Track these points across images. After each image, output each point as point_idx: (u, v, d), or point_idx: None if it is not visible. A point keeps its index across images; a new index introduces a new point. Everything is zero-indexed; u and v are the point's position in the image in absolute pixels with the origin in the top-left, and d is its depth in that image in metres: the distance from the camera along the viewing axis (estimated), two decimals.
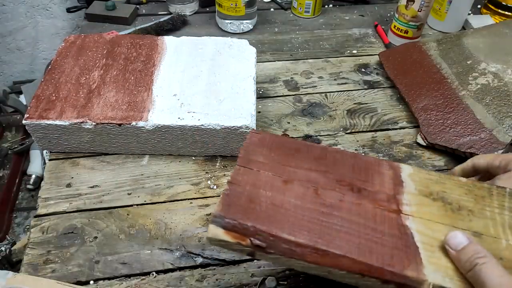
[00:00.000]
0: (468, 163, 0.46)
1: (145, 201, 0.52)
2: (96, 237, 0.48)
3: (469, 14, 0.86)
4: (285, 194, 0.35)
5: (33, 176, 1.29)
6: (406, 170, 0.39)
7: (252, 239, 0.32)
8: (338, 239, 0.32)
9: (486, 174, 0.45)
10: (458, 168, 0.47)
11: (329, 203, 0.35)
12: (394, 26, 0.78)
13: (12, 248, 0.99)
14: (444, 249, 0.33)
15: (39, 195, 0.52)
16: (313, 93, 0.69)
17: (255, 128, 0.53)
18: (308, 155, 0.39)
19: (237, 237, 0.32)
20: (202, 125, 0.52)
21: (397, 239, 0.33)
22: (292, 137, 0.40)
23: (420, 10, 0.72)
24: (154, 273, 0.45)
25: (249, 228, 0.32)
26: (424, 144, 0.59)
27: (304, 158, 0.39)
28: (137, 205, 0.52)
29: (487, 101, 0.60)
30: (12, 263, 0.97)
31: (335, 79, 0.71)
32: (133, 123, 0.52)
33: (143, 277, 0.45)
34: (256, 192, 0.35)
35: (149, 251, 0.47)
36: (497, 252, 0.33)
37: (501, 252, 0.34)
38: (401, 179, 0.38)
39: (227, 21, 0.81)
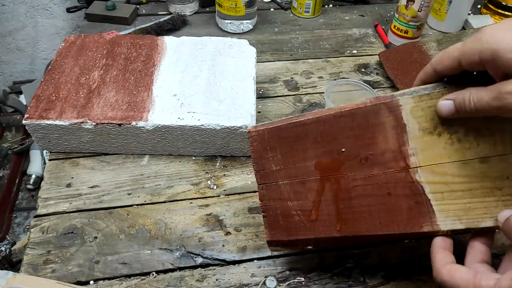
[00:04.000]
0: (427, 70, 0.37)
1: (145, 201, 0.52)
2: (96, 237, 0.48)
3: (469, 14, 0.86)
4: (307, 197, 0.39)
5: (33, 176, 1.29)
6: (407, 107, 0.36)
7: (302, 246, 0.42)
8: (362, 221, 0.38)
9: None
10: (418, 81, 0.38)
11: (344, 188, 0.38)
12: (394, 26, 0.78)
13: (12, 248, 1.00)
14: (450, 190, 0.36)
15: (39, 195, 0.52)
16: (313, 93, 0.69)
17: None
18: (307, 139, 0.39)
19: (291, 247, 0.44)
20: (202, 125, 0.52)
21: (410, 199, 0.36)
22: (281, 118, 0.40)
23: (420, 10, 0.72)
24: (154, 273, 0.45)
25: (296, 242, 0.41)
26: None
27: (305, 145, 0.39)
28: (137, 205, 0.52)
29: None
30: (12, 263, 0.97)
31: (335, 79, 0.71)
32: (133, 123, 0.52)
33: (143, 277, 0.45)
34: (285, 206, 0.40)
35: (149, 251, 0.47)
36: (503, 173, 0.34)
37: (509, 168, 0.34)
38: (403, 121, 0.36)
39: (227, 21, 0.81)
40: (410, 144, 0.36)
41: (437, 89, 0.35)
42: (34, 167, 1.30)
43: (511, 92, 0.29)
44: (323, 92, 0.68)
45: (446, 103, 0.34)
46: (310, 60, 0.76)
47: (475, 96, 0.32)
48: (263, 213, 0.41)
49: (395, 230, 0.37)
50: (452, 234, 0.36)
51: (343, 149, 0.38)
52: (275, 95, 0.68)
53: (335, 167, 0.38)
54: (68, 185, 0.53)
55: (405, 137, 0.36)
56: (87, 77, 0.57)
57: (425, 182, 0.36)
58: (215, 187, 0.54)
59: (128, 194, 0.53)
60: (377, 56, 0.75)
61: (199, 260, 0.47)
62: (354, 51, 0.78)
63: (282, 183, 0.40)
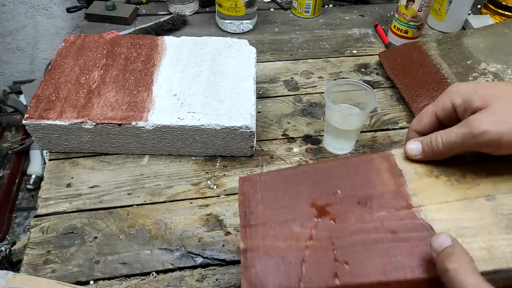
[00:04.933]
0: (410, 135, 0.39)
1: (145, 201, 0.52)
2: (96, 237, 0.48)
3: (469, 14, 0.86)
4: (300, 241, 0.34)
5: (33, 176, 1.29)
6: (399, 155, 0.37)
7: None
8: (366, 266, 0.32)
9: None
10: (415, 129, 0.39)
11: (342, 230, 0.34)
12: (394, 26, 0.78)
13: (12, 248, 1.00)
14: (463, 227, 0.32)
15: (39, 195, 0.52)
16: (313, 93, 0.69)
17: (254, 129, 0.53)
18: (300, 184, 0.37)
19: None
20: (202, 125, 0.52)
21: (419, 241, 0.32)
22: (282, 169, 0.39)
23: (420, 10, 0.72)
24: (154, 273, 0.45)
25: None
26: None
27: (298, 190, 0.37)
28: (137, 205, 0.52)
29: None
30: (12, 263, 0.97)
31: (335, 79, 0.71)
32: (133, 123, 0.52)
33: (143, 277, 0.45)
34: (275, 252, 0.34)
35: (149, 251, 0.47)
36: None
37: None
38: (398, 167, 0.37)
39: (227, 21, 0.81)
40: (408, 185, 0.35)
41: None
42: (34, 167, 1.30)
43: (480, 123, 0.31)
44: (323, 92, 0.68)
45: (414, 146, 0.36)
46: (310, 60, 0.76)
47: (443, 135, 0.34)
48: (243, 261, 0.34)
49: (404, 277, 0.31)
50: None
51: (338, 191, 0.36)
52: (275, 95, 0.68)
53: (330, 208, 0.35)
54: (68, 185, 0.53)
55: (402, 180, 0.36)
56: (87, 77, 0.57)
57: (432, 220, 0.33)
58: (215, 187, 0.54)
59: (128, 194, 0.53)
60: (377, 56, 0.75)
61: (199, 260, 0.47)
62: (354, 51, 0.78)
63: (271, 227, 0.35)
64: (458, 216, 0.33)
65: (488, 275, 0.29)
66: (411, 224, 0.33)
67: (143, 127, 0.52)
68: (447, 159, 0.36)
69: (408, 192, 0.35)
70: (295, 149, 0.59)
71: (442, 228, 0.32)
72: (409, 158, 0.37)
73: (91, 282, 0.44)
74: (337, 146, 0.58)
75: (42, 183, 0.54)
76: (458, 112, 0.34)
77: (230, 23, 0.81)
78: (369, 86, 0.54)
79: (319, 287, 0.32)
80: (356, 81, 0.54)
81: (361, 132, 0.62)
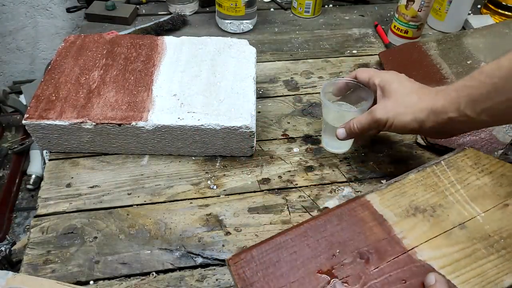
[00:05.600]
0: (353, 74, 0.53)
1: (145, 201, 0.52)
2: (96, 237, 0.48)
3: (469, 14, 0.86)
4: None
5: (33, 176, 1.29)
6: (375, 201, 0.41)
7: None
8: None
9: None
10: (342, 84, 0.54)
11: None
12: (394, 26, 0.78)
13: (12, 248, 0.99)
14: (455, 260, 0.36)
15: (39, 195, 0.52)
16: (313, 93, 0.69)
17: (254, 129, 0.53)
18: (295, 254, 0.37)
19: None
20: (202, 125, 0.52)
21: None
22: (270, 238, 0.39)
23: (420, 10, 0.72)
24: (154, 273, 0.45)
25: None
26: (424, 144, 0.59)
27: (296, 260, 0.37)
28: (137, 205, 0.52)
29: None
30: (12, 263, 0.97)
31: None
32: (133, 123, 0.52)
33: (143, 277, 0.45)
34: None
35: (149, 251, 0.47)
36: (483, 232, 0.37)
37: (485, 228, 0.38)
38: (379, 213, 0.40)
39: (227, 21, 0.81)
40: (395, 229, 0.38)
41: (393, 182, 0.43)
42: (34, 167, 1.30)
43: (376, 112, 0.46)
44: None
45: (340, 130, 0.51)
46: (310, 60, 0.76)
47: (357, 123, 0.49)
48: None
49: None
50: None
51: (337, 251, 0.37)
52: (275, 95, 0.68)
53: (337, 271, 0.36)
54: (68, 185, 0.53)
55: (387, 224, 0.39)
56: (87, 77, 0.57)
57: (428, 259, 0.36)
58: (215, 187, 0.54)
59: (128, 194, 0.53)
60: (377, 56, 0.75)
61: (199, 260, 0.46)
62: (354, 51, 0.78)
63: None
64: (447, 251, 0.36)
65: None
66: (414, 268, 0.35)
67: (143, 127, 0.52)
68: (413, 191, 0.42)
69: (398, 236, 0.38)
70: (295, 149, 0.59)
71: (441, 265, 0.35)
72: (386, 201, 0.41)
73: (91, 282, 0.44)
74: (334, 144, 0.58)
75: (42, 183, 0.54)
76: (370, 86, 0.51)
77: (230, 23, 0.81)
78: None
79: None
80: (352, 80, 0.54)
81: None
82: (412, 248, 0.37)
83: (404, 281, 0.35)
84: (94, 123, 0.52)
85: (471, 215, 0.40)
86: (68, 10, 0.99)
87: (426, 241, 0.37)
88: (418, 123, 0.44)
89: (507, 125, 0.56)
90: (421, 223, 0.39)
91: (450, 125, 0.42)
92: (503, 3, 0.85)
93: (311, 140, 0.61)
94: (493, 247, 0.37)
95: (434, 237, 0.38)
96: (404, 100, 0.45)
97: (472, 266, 0.36)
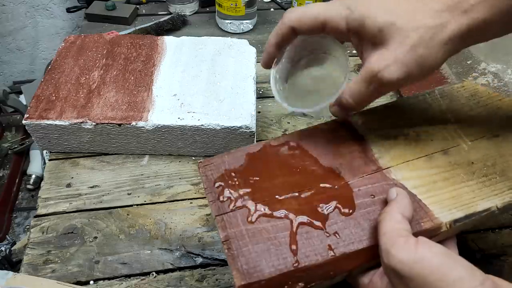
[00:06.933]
0: (284, 31, 0.38)
1: (145, 201, 0.52)
2: (96, 237, 0.48)
3: None
4: (283, 219, 0.33)
5: (33, 176, 1.29)
6: (358, 122, 0.40)
7: (291, 283, 0.30)
8: (359, 231, 0.33)
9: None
10: (273, 47, 0.40)
11: (327, 211, 0.34)
12: None
13: (12, 248, 1.00)
14: (431, 181, 0.35)
15: (39, 195, 0.52)
16: None
17: (254, 129, 0.53)
18: (273, 161, 0.37)
19: (279, 285, 0.31)
20: (202, 125, 0.52)
21: None
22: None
23: None
24: (154, 273, 0.45)
25: (280, 280, 0.31)
26: None
27: (272, 166, 0.37)
28: (137, 205, 0.52)
29: None
30: (12, 263, 0.97)
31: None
32: (133, 123, 0.52)
33: (143, 277, 0.45)
34: (257, 235, 0.32)
35: (149, 251, 0.47)
36: (466, 159, 0.37)
37: (469, 155, 0.37)
38: (359, 133, 0.39)
39: (227, 21, 0.81)
40: (373, 150, 0.38)
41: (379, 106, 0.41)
42: (34, 167, 1.30)
43: (380, 65, 0.31)
44: None
45: (335, 108, 0.36)
46: None
47: (348, 93, 0.34)
48: (227, 252, 0.32)
49: None
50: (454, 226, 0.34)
51: (311, 165, 0.37)
52: None
53: (310, 180, 0.36)
54: (68, 185, 0.53)
55: (366, 144, 0.38)
56: (87, 77, 0.57)
57: (402, 179, 0.36)
58: None
59: (128, 194, 0.53)
60: None
61: (199, 260, 0.47)
62: (354, 51, 0.78)
63: (250, 207, 0.34)
64: (424, 173, 0.36)
65: (456, 222, 0.33)
66: (386, 186, 0.35)
67: (143, 127, 0.52)
68: (398, 115, 0.40)
69: (374, 156, 0.37)
70: None
71: (413, 185, 0.35)
72: (369, 124, 0.40)
73: (91, 282, 0.44)
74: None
75: (42, 183, 0.54)
76: (352, 36, 0.34)
77: (230, 23, 0.81)
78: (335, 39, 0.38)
79: (316, 262, 0.31)
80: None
81: None
82: (387, 168, 0.36)
83: (373, 196, 0.35)
84: (94, 123, 0.52)
85: (457, 143, 0.38)
86: (68, 10, 0.99)
87: (403, 162, 0.37)
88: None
89: None
90: (401, 145, 0.38)
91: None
92: None
93: None
94: (474, 173, 0.36)
95: (413, 159, 0.37)
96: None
97: (448, 189, 0.35)
